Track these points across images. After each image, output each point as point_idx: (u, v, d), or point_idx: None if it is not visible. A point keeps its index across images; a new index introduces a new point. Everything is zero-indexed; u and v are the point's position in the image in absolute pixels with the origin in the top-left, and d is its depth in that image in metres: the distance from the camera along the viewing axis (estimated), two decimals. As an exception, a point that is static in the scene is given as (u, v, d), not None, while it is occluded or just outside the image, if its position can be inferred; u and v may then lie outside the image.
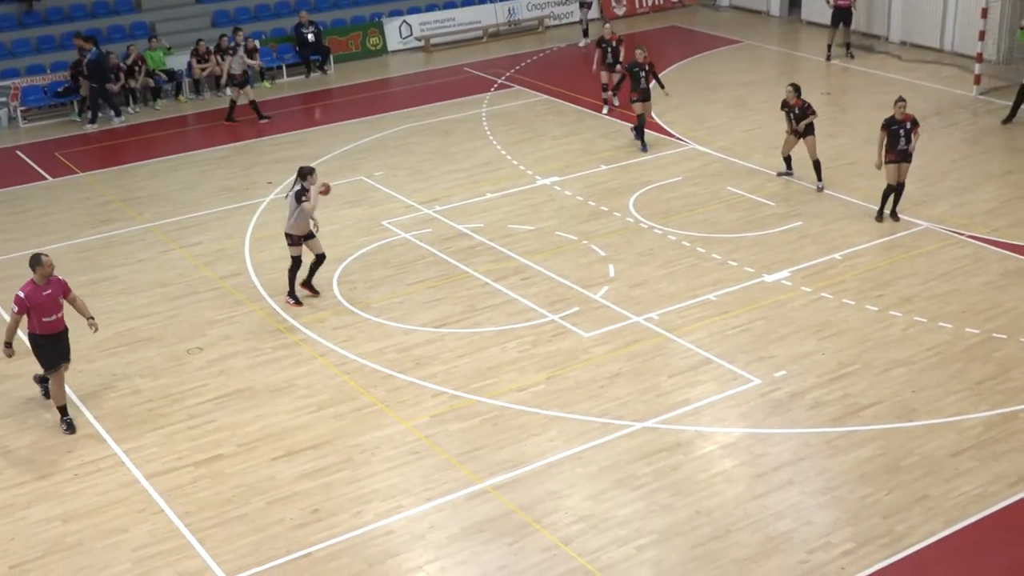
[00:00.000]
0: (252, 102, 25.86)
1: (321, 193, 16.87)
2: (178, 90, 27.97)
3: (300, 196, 16.60)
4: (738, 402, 14.33)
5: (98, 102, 25.90)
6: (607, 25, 25.99)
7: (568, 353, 15.58)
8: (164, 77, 27.61)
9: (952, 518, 12.07)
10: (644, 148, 22.86)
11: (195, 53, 27.73)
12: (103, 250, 19.40)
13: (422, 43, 31.84)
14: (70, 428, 14.14)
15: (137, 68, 27.00)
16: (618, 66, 24.92)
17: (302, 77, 29.58)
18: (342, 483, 13.01)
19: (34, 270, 13.81)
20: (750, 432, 13.72)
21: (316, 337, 16.23)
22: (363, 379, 15.12)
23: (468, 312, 16.79)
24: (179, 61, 28.08)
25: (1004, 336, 15.62)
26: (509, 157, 23.01)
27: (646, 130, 23.04)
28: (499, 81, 28.43)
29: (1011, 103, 24.00)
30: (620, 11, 34.40)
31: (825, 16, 30.02)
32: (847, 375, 14.82)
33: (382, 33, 31.50)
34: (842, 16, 28.96)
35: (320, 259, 17.12)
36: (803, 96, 20.50)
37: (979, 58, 25.77)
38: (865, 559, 11.53)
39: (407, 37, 31.87)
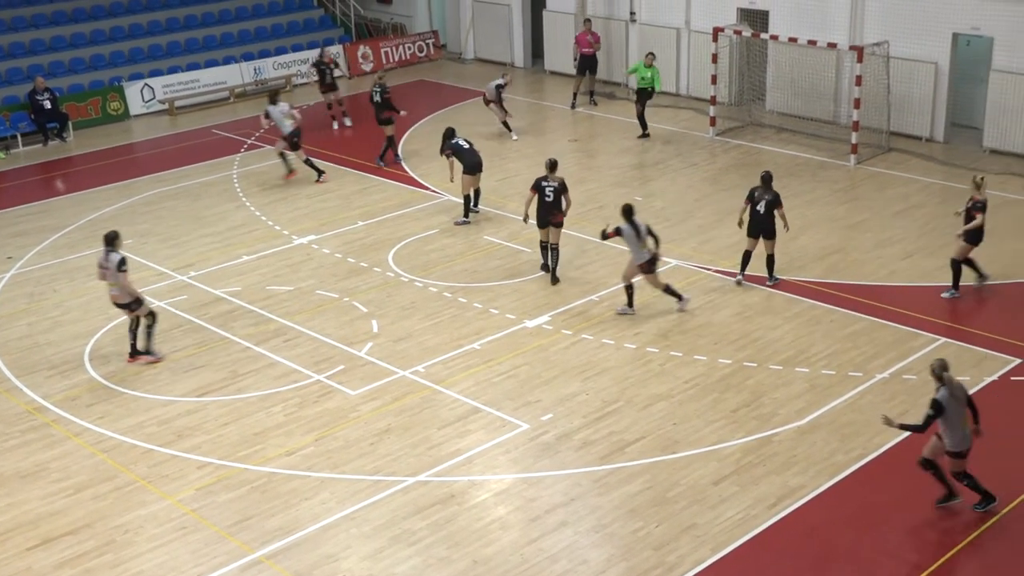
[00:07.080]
0: None
1: None
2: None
3: None
4: (508, 448, 14.45)
5: None
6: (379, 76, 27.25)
7: (336, 413, 15.38)
8: None
9: (719, 543, 12.47)
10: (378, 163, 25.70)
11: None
12: None
13: (166, 106, 31.06)
14: None
15: None
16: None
17: (39, 146, 28.37)
18: (105, 567, 12.39)
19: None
20: (522, 477, 13.84)
21: (69, 416, 15.47)
22: (122, 456, 14.49)
23: (230, 378, 16.37)
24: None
25: (754, 364, 16.34)
26: (264, 218, 22.66)
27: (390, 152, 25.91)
28: (248, 142, 28.01)
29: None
30: (367, 67, 34.54)
31: (567, 66, 30.97)
32: (611, 413, 15.17)
33: (123, 97, 30.57)
34: (588, 64, 29.89)
35: None
36: (555, 161, 19.39)
37: (713, 101, 27.09)
38: (640, 592, 11.78)
39: (150, 100, 31.04)
